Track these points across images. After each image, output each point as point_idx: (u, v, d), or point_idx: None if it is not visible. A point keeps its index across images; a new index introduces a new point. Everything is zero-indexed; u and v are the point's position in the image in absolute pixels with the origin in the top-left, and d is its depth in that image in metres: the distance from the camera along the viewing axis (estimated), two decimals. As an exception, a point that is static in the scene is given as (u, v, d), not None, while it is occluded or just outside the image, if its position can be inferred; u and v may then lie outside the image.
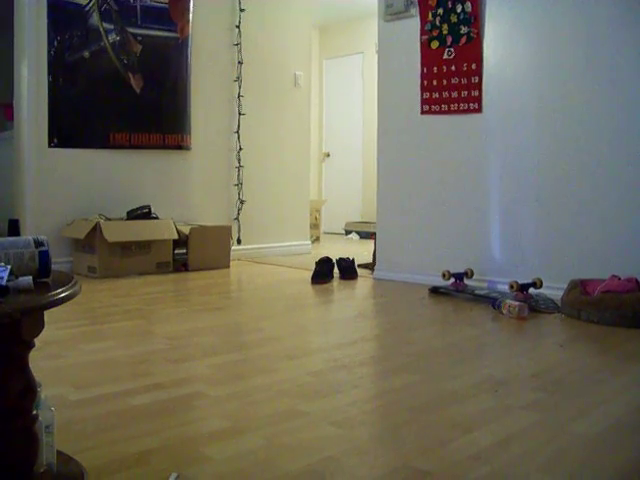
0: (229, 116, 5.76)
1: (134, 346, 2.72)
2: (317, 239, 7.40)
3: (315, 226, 7.36)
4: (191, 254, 4.98)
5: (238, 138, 5.77)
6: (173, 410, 1.94)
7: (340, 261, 4.70)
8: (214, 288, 4.36)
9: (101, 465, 1.54)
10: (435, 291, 4.03)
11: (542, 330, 3.16)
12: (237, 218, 5.80)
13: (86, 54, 4.84)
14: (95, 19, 4.86)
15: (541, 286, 3.61)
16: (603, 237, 3.65)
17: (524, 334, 3.09)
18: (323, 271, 4.52)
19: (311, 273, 4.53)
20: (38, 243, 1.37)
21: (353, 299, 4.13)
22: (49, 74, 4.69)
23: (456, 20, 4.18)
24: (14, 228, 4.21)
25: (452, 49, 4.21)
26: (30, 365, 1.28)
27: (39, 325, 1.24)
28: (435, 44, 4.28)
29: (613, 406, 2.02)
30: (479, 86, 4.12)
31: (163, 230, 4.84)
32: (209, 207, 5.63)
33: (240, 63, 5.76)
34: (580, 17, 3.72)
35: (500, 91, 4.06)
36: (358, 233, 8.20)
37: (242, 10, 5.73)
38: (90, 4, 4.82)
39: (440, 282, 4.09)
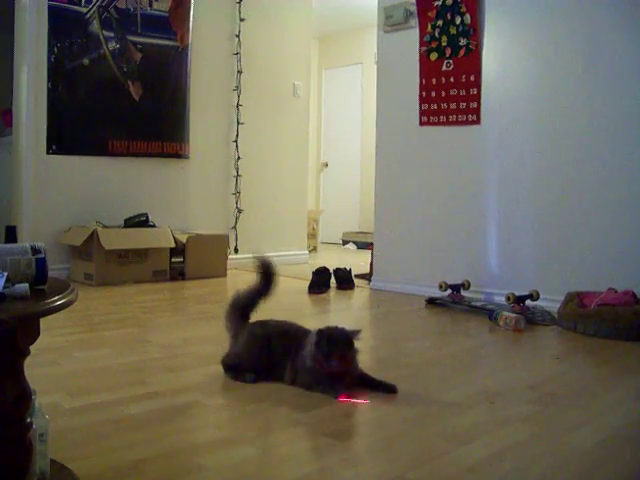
0: (228, 125, 5.77)
1: (129, 354, 2.71)
2: (314, 249, 7.40)
3: (312, 236, 7.36)
4: (188, 262, 4.98)
5: (236, 147, 5.78)
6: (168, 419, 1.94)
7: (337, 271, 4.70)
8: (211, 297, 4.35)
9: (95, 474, 1.53)
10: (432, 302, 4.03)
11: (538, 342, 3.15)
12: (234, 227, 5.80)
13: (86, 61, 4.85)
14: (95, 27, 4.87)
15: (538, 298, 3.61)
16: (600, 250, 3.66)
17: (520, 346, 3.08)
18: (320, 281, 4.52)
19: (308, 283, 4.52)
20: (35, 250, 1.37)
21: (350, 309, 4.13)
22: (49, 80, 4.69)
23: (455, 32, 4.19)
24: (11, 235, 4.20)
25: (451, 61, 4.23)
26: (25, 372, 1.27)
27: (35, 332, 1.24)
28: (434, 56, 4.30)
29: (609, 419, 2.02)
30: (478, 98, 4.14)
31: (160, 238, 4.84)
32: (207, 216, 5.63)
33: (239, 72, 5.78)
34: (579, 29, 3.74)
35: (499, 103, 4.08)
36: (355, 243, 8.20)
37: (242, 20, 5.76)
38: (91, 12, 4.83)
39: (437, 293, 4.09)
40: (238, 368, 2.34)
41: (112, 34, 4.96)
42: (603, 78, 3.65)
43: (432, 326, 3.59)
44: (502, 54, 4.07)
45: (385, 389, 2.21)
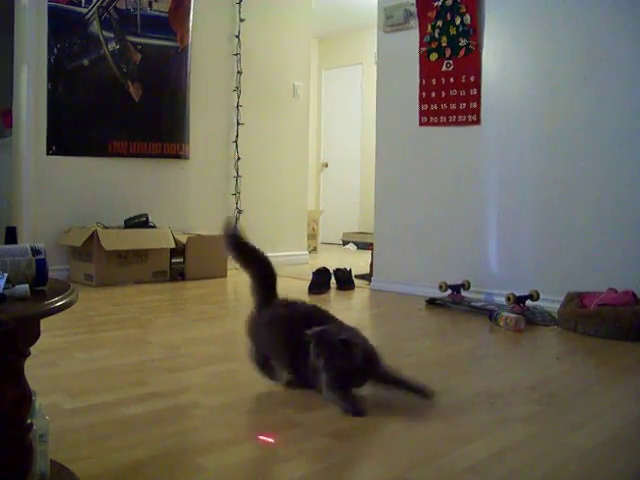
0: (228, 126, 5.77)
1: (130, 355, 2.71)
2: (314, 249, 7.40)
3: (312, 236, 7.36)
4: (188, 263, 4.98)
5: (236, 148, 5.78)
6: (168, 420, 1.94)
7: (337, 271, 4.70)
8: (211, 297, 4.35)
9: (95, 475, 1.53)
10: (432, 302, 4.03)
11: (538, 343, 3.15)
12: (234, 227, 5.79)
13: (86, 62, 4.85)
14: (95, 27, 4.87)
15: (538, 298, 3.61)
16: (600, 250, 3.65)
17: (520, 346, 3.08)
18: (320, 281, 4.52)
19: (308, 283, 4.52)
20: (35, 251, 1.37)
21: (350, 310, 4.12)
22: (48, 81, 4.69)
23: (455, 32, 4.19)
24: (11, 235, 4.21)
25: (451, 61, 4.23)
26: (25, 373, 1.27)
27: (35, 333, 1.24)
28: (434, 56, 4.30)
29: (609, 419, 2.02)
30: (478, 98, 4.14)
31: (160, 239, 4.84)
32: (207, 216, 5.63)
33: (239, 73, 5.78)
34: (579, 30, 3.74)
35: (499, 103, 4.08)
36: (355, 244, 8.19)
37: (242, 20, 5.76)
38: (90, 12, 4.83)
39: (437, 293, 4.08)
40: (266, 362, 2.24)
41: (112, 35, 4.96)
42: (603, 77, 3.64)
43: (432, 326, 3.59)
44: (502, 54, 4.07)
45: (419, 392, 2.08)
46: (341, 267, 4.76)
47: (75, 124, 4.85)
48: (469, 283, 4.03)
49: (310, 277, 4.57)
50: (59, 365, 2.50)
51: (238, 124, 5.78)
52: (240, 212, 5.81)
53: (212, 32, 5.64)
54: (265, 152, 6.04)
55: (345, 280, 4.68)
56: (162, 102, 5.25)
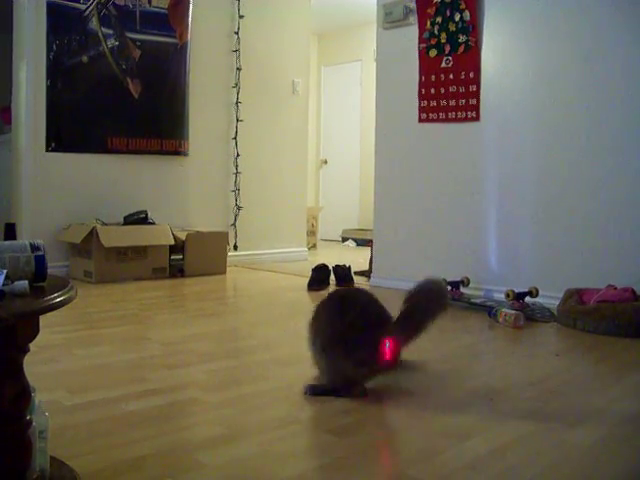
0: (227, 122, 5.77)
1: (129, 351, 2.71)
2: (314, 246, 7.40)
3: (312, 233, 7.36)
4: (187, 260, 4.97)
5: (236, 144, 5.78)
6: (167, 416, 1.94)
7: (336, 268, 4.70)
8: (210, 294, 4.35)
9: (95, 471, 1.53)
10: (431, 299, 4.02)
11: (538, 339, 3.16)
12: (234, 224, 5.80)
13: (85, 59, 4.84)
14: (94, 24, 4.86)
15: (537, 295, 3.61)
16: (600, 247, 3.66)
17: (520, 343, 3.08)
18: (319, 278, 4.52)
19: (307, 280, 4.52)
20: (34, 247, 1.37)
21: (349, 306, 4.12)
22: (47, 78, 4.69)
23: (454, 29, 4.19)
24: (10, 232, 4.20)
25: (450, 57, 4.22)
26: (24, 370, 1.27)
27: (34, 330, 1.24)
28: (433, 52, 4.29)
29: (608, 416, 2.02)
30: (477, 95, 4.13)
31: (159, 235, 4.84)
32: (206, 213, 5.63)
33: (239, 69, 5.77)
34: (579, 26, 3.73)
35: (498, 100, 4.07)
36: (355, 240, 8.19)
37: (241, 17, 5.75)
38: (89, 9, 4.83)
39: (436, 290, 4.08)
40: None
41: (111, 31, 4.95)
42: (603, 75, 3.64)
43: (431, 323, 3.58)
44: (501, 51, 4.07)
45: None
46: (340, 264, 4.76)
47: (74, 121, 4.84)
48: (468, 280, 4.03)
49: (309, 274, 4.58)
50: (59, 361, 2.50)
51: (237, 121, 5.77)
52: (239, 209, 5.80)
53: (211, 29, 5.63)
54: (264, 149, 6.04)
55: (344, 277, 4.68)
56: (161, 99, 5.25)
